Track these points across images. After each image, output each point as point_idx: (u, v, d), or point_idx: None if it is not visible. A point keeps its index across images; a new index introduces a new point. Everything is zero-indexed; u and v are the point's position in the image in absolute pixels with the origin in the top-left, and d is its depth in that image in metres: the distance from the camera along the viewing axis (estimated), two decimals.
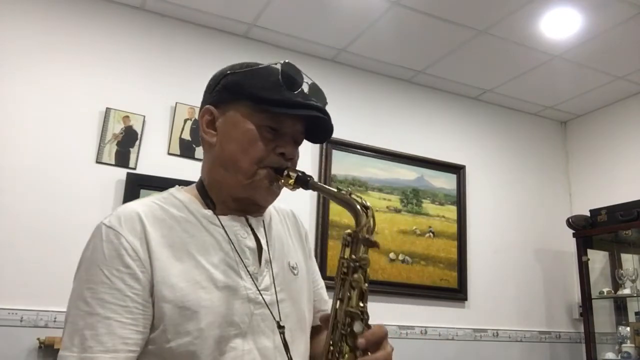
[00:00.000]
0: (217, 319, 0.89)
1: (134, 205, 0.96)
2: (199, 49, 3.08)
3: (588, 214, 3.58)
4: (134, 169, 2.77)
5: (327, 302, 1.12)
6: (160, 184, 2.78)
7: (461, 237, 3.53)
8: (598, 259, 3.69)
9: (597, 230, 3.53)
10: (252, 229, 1.01)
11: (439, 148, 3.64)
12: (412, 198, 3.46)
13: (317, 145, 3.19)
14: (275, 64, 1.00)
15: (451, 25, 2.99)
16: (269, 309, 0.94)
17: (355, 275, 0.88)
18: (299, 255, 1.09)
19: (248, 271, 0.95)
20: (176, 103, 2.93)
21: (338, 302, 0.89)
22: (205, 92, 1.08)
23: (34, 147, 2.60)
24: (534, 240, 3.83)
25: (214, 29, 3.14)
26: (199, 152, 2.94)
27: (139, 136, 2.82)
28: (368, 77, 3.54)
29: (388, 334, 0.89)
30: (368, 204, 0.92)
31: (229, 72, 1.03)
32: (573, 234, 3.59)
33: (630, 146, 3.69)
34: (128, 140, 2.79)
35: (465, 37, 3.11)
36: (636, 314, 3.36)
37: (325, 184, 3.20)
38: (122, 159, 2.76)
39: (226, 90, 1.01)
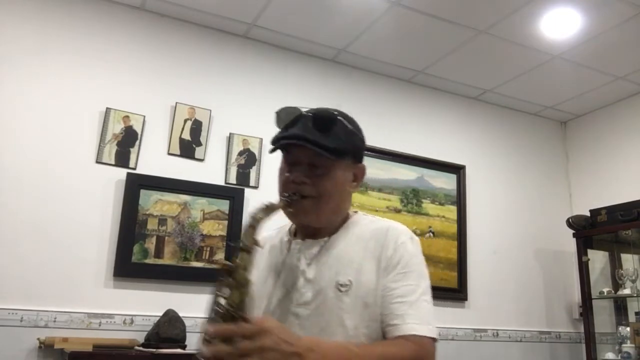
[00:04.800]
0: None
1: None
2: (199, 49, 3.08)
3: (588, 214, 3.58)
4: (134, 169, 2.77)
5: (406, 316, 1.08)
6: (160, 183, 2.78)
7: (461, 237, 3.53)
8: (598, 259, 3.69)
9: (597, 230, 3.53)
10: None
11: (439, 148, 3.64)
12: (412, 198, 3.46)
13: None
14: None
15: (451, 25, 2.99)
16: (295, 319, 1.13)
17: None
18: (364, 274, 1.12)
19: (290, 289, 1.16)
20: (176, 103, 2.93)
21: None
22: None
23: (34, 147, 2.60)
24: (534, 240, 3.83)
25: (214, 29, 3.14)
26: (199, 152, 2.94)
27: (139, 136, 2.82)
28: (368, 77, 3.54)
29: (265, 332, 0.90)
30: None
31: None
32: (573, 234, 3.59)
33: (630, 146, 3.69)
34: (128, 140, 2.79)
35: (465, 37, 3.11)
36: (636, 314, 3.36)
37: None
38: (122, 159, 2.76)
39: None
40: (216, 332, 0.90)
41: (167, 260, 2.73)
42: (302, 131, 1.14)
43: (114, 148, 2.76)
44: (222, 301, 0.94)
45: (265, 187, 3.02)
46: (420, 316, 1.09)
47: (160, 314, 2.50)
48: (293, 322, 1.12)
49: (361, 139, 1.27)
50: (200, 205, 2.85)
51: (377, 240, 1.17)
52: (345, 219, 1.24)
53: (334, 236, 1.20)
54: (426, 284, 1.16)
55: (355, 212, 1.28)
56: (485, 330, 3.49)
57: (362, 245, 1.17)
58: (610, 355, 3.40)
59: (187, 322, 2.51)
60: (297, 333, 1.03)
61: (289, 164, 1.18)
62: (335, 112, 1.19)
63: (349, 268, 1.14)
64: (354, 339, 1.09)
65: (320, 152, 1.12)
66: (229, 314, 0.92)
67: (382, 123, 3.50)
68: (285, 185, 1.16)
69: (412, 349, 1.04)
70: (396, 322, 1.07)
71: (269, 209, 1.10)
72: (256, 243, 1.03)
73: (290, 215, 1.18)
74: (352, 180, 1.23)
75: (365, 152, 3.44)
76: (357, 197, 3.27)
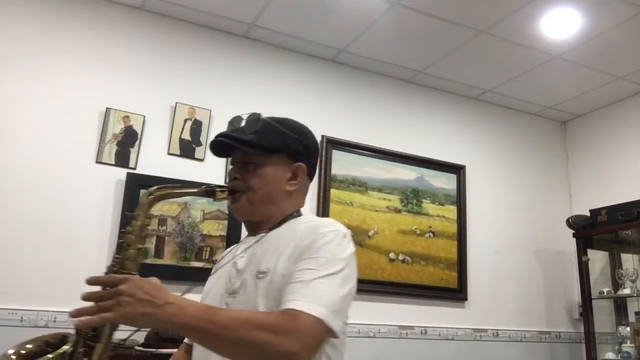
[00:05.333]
0: None
1: None
2: (199, 49, 3.08)
3: (588, 214, 3.58)
4: (134, 169, 2.78)
5: (294, 294, 1.03)
6: (160, 184, 2.77)
7: (461, 237, 3.53)
8: (598, 259, 3.69)
9: (597, 230, 3.53)
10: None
11: (439, 148, 3.64)
12: (412, 198, 3.46)
13: None
14: None
15: (451, 25, 2.99)
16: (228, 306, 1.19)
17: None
18: (280, 262, 1.13)
19: (226, 280, 1.25)
20: (176, 103, 2.94)
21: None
22: None
23: (34, 147, 2.60)
24: (534, 240, 3.83)
25: (214, 29, 3.14)
26: (199, 152, 2.94)
27: (139, 136, 2.82)
28: (368, 77, 3.54)
29: (113, 281, 0.98)
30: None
31: None
32: (573, 234, 3.59)
33: (630, 146, 3.69)
34: (128, 140, 2.79)
35: (465, 37, 3.11)
36: (636, 314, 3.36)
37: (325, 184, 3.20)
38: (122, 159, 2.76)
39: None
40: (89, 280, 1.00)
41: (167, 260, 2.73)
42: (232, 133, 1.26)
43: (114, 148, 2.76)
44: (113, 260, 1.09)
45: None
46: (309, 294, 1.02)
47: None
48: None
49: (297, 139, 1.28)
50: (200, 205, 2.85)
51: (302, 233, 1.16)
52: (289, 217, 1.26)
53: (272, 232, 1.23)
54: (334, 270, 1.07)
55: (301, 214, 1.31)
56: (485, 330, 3.49)
57: (291, 238, 1.17)
58: (610, 355, 3.40)
59: None
60: None
61: (231, 165, 1.29)
62: (264, 116, 1.28)
63: (271, 257, 1.15)
64: None
65: (238, 145, 1.23)
66: (113, 270, 1.07)
67: (382, 123, 3.50)
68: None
69: (279, 319, 0.99)
70: (285, 299, 1.03)
71: (178, 188, 1.21)
72: (146, 214, 1.13)
73: (231, 212, 1.28)
74: (289, 179, 1.27)
75: (365, 152, 3.47)
76: (357, 197, 3.27)
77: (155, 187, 1.18)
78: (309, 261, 1.09)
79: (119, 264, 1.07)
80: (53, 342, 1.06)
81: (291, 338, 0.96)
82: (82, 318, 0.94)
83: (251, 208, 1.24)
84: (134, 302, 0.95)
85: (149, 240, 2.71)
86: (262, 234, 1.24)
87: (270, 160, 1.25)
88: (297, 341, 0.96)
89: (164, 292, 0.98)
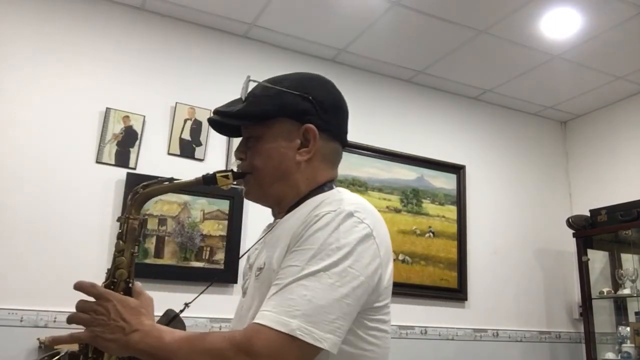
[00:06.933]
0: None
1: None
2: (199, 49, 3.08)
3: (588, 214, 3.58)
4: (134, 169, 2.78)
5: (266, 302, 0.88)
6: None
7: (461, 237, 3.53)
8: (598, 259, 3.69)
9: (597, 230, 3.53)
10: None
11: (439, 148, 3.64)
12: (412, 198, 3.46)
13: None
14: None
15: (451, 25, 2.99)
16: (240, 309, 1.07)
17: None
18: (276, 255, 0.96)
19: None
20: (176, 103, 2.94)
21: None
22: None
23: (34, 147, 2.60)
24: (534, 240, 3.83)
25: (214, 29, 3.14)
26: (199, 152, 2.94)
27: (139, 136, 2.82)
28: (368, 77, 3.54)
29: (98, 296, 0.95)
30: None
31: None
32: (573, 234, 3.59)
33: (630, 146, 3.69)
34: (128, 140, 2.79)
35: (465, 37, 3.11)
36: (636, 314, 3.36)
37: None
38: (122, 159, 2.76)
39: None
40: (76, 286, 0.97)
41: (167, 260, 2.73)
42: (225, 108, 1.10)
43: (114, 148, 2.76)
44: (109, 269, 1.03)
45: None
46: (281, 302, 0.84)
47: (160, 314, 2.50)
48: (239, 313, 1.05)
49: (299, 95, 1.05)
50: (200, 205, 2.85)
51: (302, 219, 0.95)
52: (310, 194, 1.03)
53: (285, 217, 1.03)
54: (324, 264, 0.86)
55: (332, 188, 1.07)
56: (485, 330, 3.49)
57: (293, 223, 0.96)
58: (610, 355, 3.40)
59: (187, 322, 2.50)
60: (240, 325, 0.95)
61: None
62: (256, 80, 1.10)
63: (271, 249, 0.98)
64: None
65: (221, 119, 1.07)
66: (108, 280, 1.01)
67: (382, 123, 3.50)
68: None
69: (232, 340, 0.84)
70: (260, 308, 0.88)
71: (170, 182, 1.12)
72: (136, 215, 1.04)
73: (243, 192, 1.12)
74: (298, 147, 1.03)
75: (365, 152, 3.45)
76: None
77: (143, 184, 1.06)
78: (295, 255, 0.89)
79: (112, 274, 1.01)
80: None
81: None
82: (54, 336, 0.96)
83: (261, 190, 1.05)
84: (106, 325, 0.91)
85: (149, 240, 2.71)
86: (278, 220, 1.06)
87: (271, 129, 1.03)
88: None
89: (135, 317, 0.92)
